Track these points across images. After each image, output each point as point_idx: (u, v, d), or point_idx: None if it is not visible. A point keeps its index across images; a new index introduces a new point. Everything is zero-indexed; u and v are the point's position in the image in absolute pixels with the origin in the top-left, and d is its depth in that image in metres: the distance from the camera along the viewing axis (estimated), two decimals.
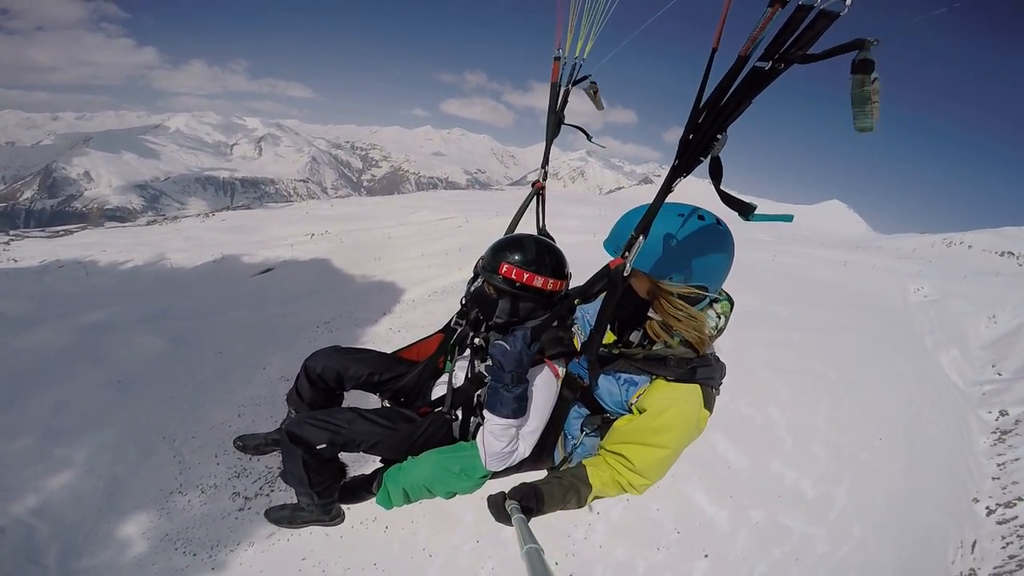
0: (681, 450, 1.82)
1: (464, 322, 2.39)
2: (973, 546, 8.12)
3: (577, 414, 2.08)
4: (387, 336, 12.35)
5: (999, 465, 9.40)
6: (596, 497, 1.90)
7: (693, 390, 1.77)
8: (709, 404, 1.78)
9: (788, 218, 1.34)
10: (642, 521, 7.38)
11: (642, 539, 7.23)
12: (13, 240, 35.75)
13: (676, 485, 7.86)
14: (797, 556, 7.12)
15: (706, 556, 7.07)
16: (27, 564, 6.61)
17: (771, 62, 1.08)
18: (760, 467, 8.31)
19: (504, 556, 6.92)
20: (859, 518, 7.73)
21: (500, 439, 1.95)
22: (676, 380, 1.78)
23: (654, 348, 1.85)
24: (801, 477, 8.21)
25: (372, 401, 2.57)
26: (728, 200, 1.29)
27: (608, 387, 1.92)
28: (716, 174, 1.29)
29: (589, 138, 2.64)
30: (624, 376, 1.88)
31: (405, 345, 2.63)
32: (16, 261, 25.72)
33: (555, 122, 2.55)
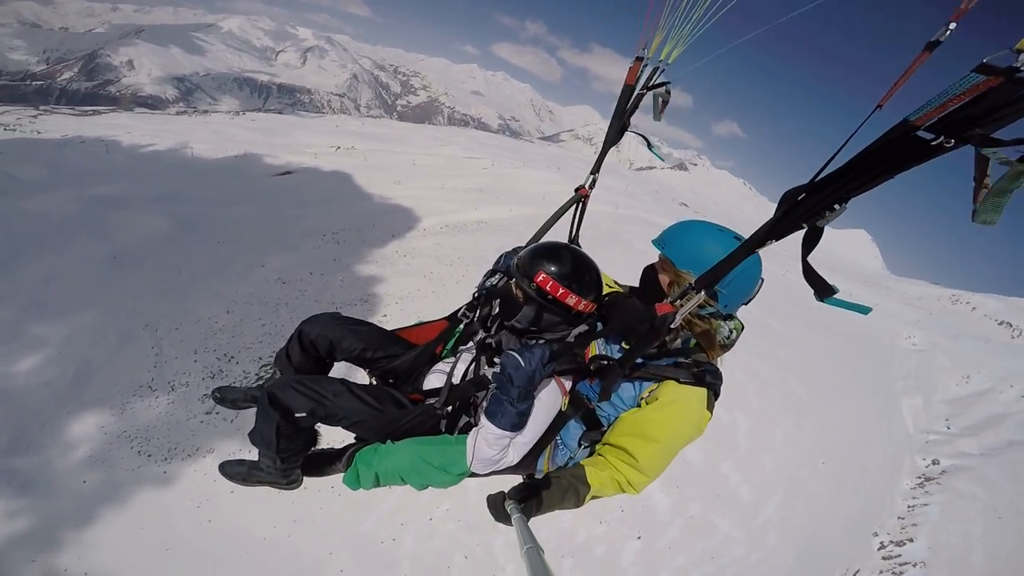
0: (680, 447, 1.86)
1: (472, 315, 2.35)
2: (855, 575, 8.66)
3: (576, 427, 2.07)
4: (392, 258, 11.79)
5: (909, 507, 9.99)
6: (594, 497, 1.88)
7: (701, 392, 1.81)
8: (711, 407, 1.84)
9: (866, 310, 1.21)
10: None
11: (589, 511, 7.29)
12: (41, 115, 35.58)
13: None
14: (714, 554, 7.52)
15: (639, 538, 7.40)
16: None
17: (941, 137, 0.85)
18: (711, 465, 8.63)
19: (459, 501, 7.03)
20: (778, 529, 8.13)
21: (493, 447, 1.90)
22: (687, 382, 1.81)
23: (670, 346, 1.89)
24: (743, 482, 8.58)
25: (360, 376, 2.48)
26: (810, 275, 1.19)
27: (622, 384, 1.94)
28: (811, 244, 1.17)
29: (650, 147, 2.55)
30: (638, 379, 1.90)
31: (406, 325, 2.60)
32: (39, 133, 25.48)
33: (619, 128, 2.39)
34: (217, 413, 7.47)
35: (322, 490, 6.73)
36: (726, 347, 1.91)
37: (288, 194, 16.60)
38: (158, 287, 9.48)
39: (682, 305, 1.47)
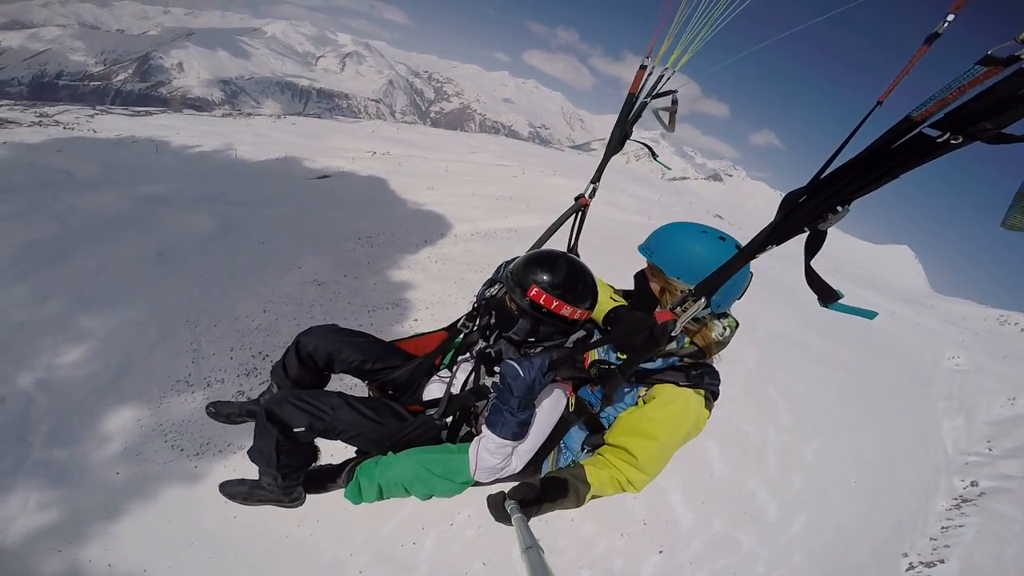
0: (678, 446, 1.86)
1: (472, 326, 2.33)
2: None
3: (578, 432, 2.08)
4: (424, 264, 11.90)
5: (943, 529, 9.59)
6: (594, 496, 1.87)
7: (698, 393, 1.83)
8: (710, 407, 1.85)
9: (871, 315, 1.18)
10: (616, 506, 7.51)
11: (611, 522, 7.38)
12: (97, 115, 37.51)
13: (658, 480, 7.71)
14: (736, 572, 7.31)
15: (660, 552, 7.24)
16: (13, 440, 6.55)
17: (948, 133, 0.82)
18: (738, 481, 8.44)
19: (480, 516, 6.91)
20: (803, 548, 7.87)
21: (495, 456, 1.90)
22: (684, 385, 1.83)
23: (666, 348, 1.88)
24: (771, 499, 8.35)
25: (358, 387, 2.49)
26: (813, 280, 1.17)
27: (620, 392, 1.95)
28: (814, 248, 1.13)
29: (655, 156, 2.60)
30: (636, 384, 1.91)
31: (405, 336, 2.59)
32: (95, 132, 26.80)
33: (620, 136, 2.39)
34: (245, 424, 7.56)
35: (350, 504, 6.69)
36: (721, 344, 1.90)
37: (325, 197, 17.00)
38: (200, 284, 9.80)
39: (683, 312, 1.45)
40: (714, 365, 1.94)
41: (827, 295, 1.14)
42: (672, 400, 1.82)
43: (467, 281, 11.04)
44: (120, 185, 14.68)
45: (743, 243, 1.76)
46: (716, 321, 1.89)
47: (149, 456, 6.82)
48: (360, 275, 10.97)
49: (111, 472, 6.59)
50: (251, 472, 2.37)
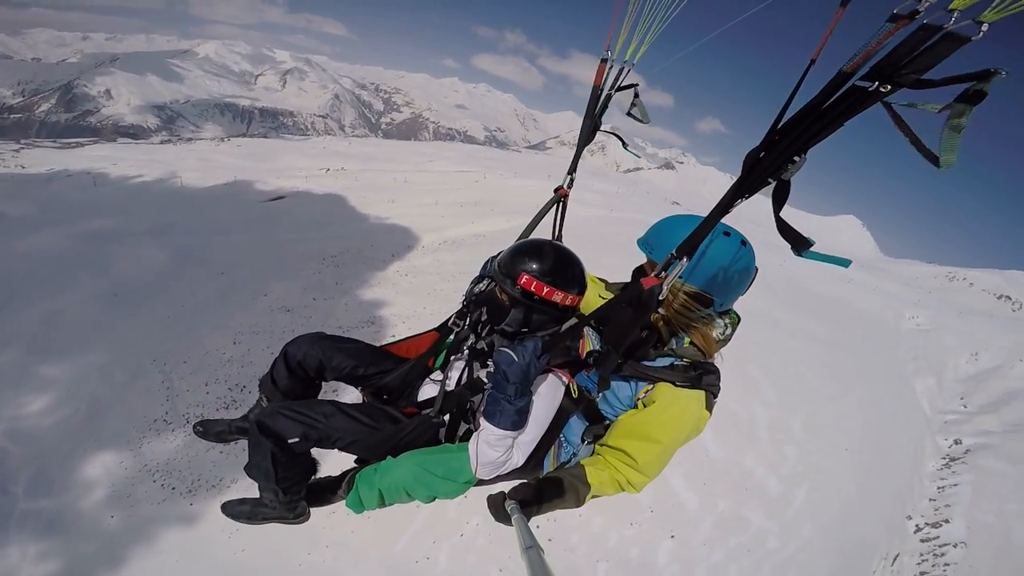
0: (678, 448, 1.87)
1: (463, 323, 2.29)
2: (895, 559, 8.69)
3: (578, 423, 2.06)
4: (394, 278, 11.82)
5: (939, 488, 10.04)
6: (593, 496, 1.88)
7: (698, 394, 1.81)
8: (710, 407, 1.85)
9: (846, 262, 1.22)
10: (621, 497, 7.45)
11: (619, 514, 7.49)
12: (24, 148, 35.22)
13: None
14: (749, 548, 7.53)
15: (672, 537, 7.42)
16: None
17: (877, 83, 0.94)
18: (734, 460, 8.68)
19: (486, 514, 6.92)
20: (810, 520, 8.17)
21: (495, 448, 1.87)
22: (683, 385, 1.81)
23: (666, 348, 1.88)
24: (769, 474, 8.59)
25: (351, 394, 2.45)
26: (785, 230, 1.20)
27: (619, 383, 1.93)
28: (780, 199, 1.19)
29: (625, 146, 2.56)
30: (634, 379, 1.89)
31: (394, 340, 2.55)
32: (24, 168, 25.26)
33: (591, 127, 2.44)
34: (235, 443, 7.35)
35: (352, 513, 6.63)
36: (723, 342, 1.91)
37: (282, 219, 16.57)
38: (162, 322, 9.43)
39: (667, 275, 1.46)
40: (715, 363, 1.93)
41: (800, 243, 1.17)
42: (672, 403, 1.81)
43: (440, 292, 11.02)
44: (60, 223, 13.87)
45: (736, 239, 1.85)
46: (717, 319, 1.88)
47: (140, 498, 6.58)
48: (330, 296, 10.81)
49: (104, 517, 6.34)
50: (252, 492, 2.34)
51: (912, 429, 11.49)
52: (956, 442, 11.39)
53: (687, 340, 1.87)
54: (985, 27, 0.83)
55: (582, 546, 7.01)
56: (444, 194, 20.33)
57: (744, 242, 1.83)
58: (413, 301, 10.62)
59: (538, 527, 7.37)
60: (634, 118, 2.41)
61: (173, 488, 6.74)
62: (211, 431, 2.70)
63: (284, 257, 12.54)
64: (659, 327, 1.88)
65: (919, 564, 8.55)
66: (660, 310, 1.80)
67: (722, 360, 1.95)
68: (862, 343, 13.91)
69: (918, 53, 0.89)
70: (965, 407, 12.83)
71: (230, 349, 8.95)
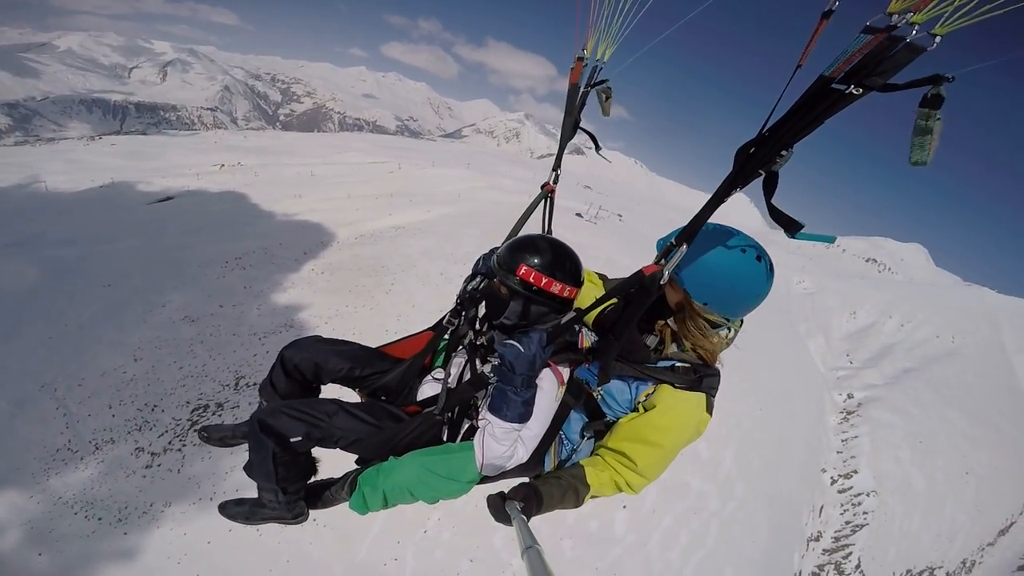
0: (679, 451, 1.87)
1: (458, 321, 2.29)
2: (820, 511, 9.56)
3: (578, 419, 2.06)
4: (309, 277, 11.36)
5: (843, 441, 11.01)
6: (592, 496, 1.89)
7: (699, 397, 1.82)
8: (710, 409, 1.84)
9: (831, 239, 1.32)
10: None
11: None
12: None
13: None
14: (695, 510, 8.06)
15: (624, 507, 7.81)
16: None
17: (851, 85, 1.06)
18: None
19: (451, 507, 7.06)
20: (741, 479, 8.80)
21: (502, 443, 1.86)
22: (684, 388, 1.82)
23: (667, 352, 1.88)
24: (698, 439, 9.38)
25: (351, 397, 2.38)
26: (777, 215, 1.29)
27: (618, 386, 1.92)
28: (770, 188, 1.27)
29: (598, 149, 2.66)
30: (634, 379, 1.89)
31: (390, 341, 2.51)
32: None
33: (571, 124, 2.50)
34: (159, 466, 6.91)
35: (305, 525, 6.38)
36: (726, 346, 1.93)
37: (173, 222, 15.17)
38: (44, 344, 8.38)
39: (667, 262, 1.50)
40: (716, 366, 1.94)
41: (792, 227, 1.27)
42: (673, 406, 1.81)
43: (364, 287, 10.76)
44: None
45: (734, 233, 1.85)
46: (720, 331, 1.87)
47: (65, 532, 6.01)
48: (239, 302, 10.17)
49: (31, 555, 5.74)
50: (220, 496, 2.33)
51: (811, 386, 12.52)
52: (849, 396, 12.65)
53: (688, 346, 1.87)
54: (938, 39, 0.97)
55: (543, 527, 7.21)
56: (356, 186, 19.62)
57: (771, 267, 1.79)
58: (335, 300, 10.31)
59: (478, 492, 7.71)
60: (603, 106, 2.48)
61: (100, 519, 6.18)
62: (214, 436, 2.63)
63: (180, 263, 11.55)
64: (665, 335, 1.88)
65: (842, 514, 9.49)
66: (673, 324, 1.83)
67: (722, 364, 1.96)
68: (759, 309, 15.55)
69: (884, 60, 1.02)
70: (851, 363, 14.24)
71: (131, 367, 8.21)
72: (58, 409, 7.22)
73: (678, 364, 1.85)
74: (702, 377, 1.83)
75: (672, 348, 1.88)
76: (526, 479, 2.00)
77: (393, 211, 16.13)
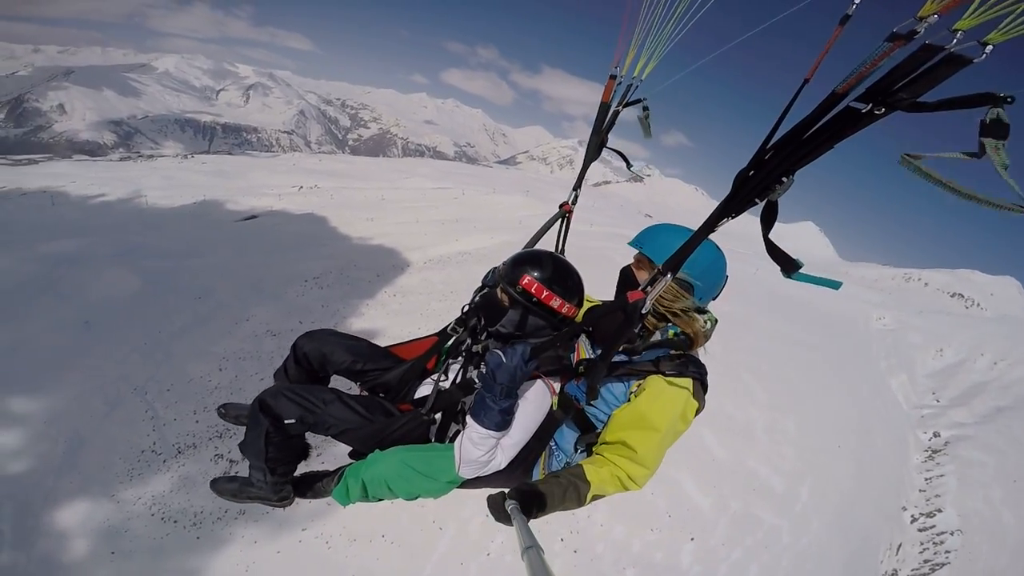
0: (674, 436, 1.88)
1: (462, 329, 2.34)
2: (898, 549, 9.13)
3: (571, 432, 2.07)
4: (382, 299, 11.65)
5: (926, 479, 10.52)
6: (595, 496, 1.89)
7: (686, 383, 1.85)
8: (699, 397, 1.87)
9: (836, 284, 1.19)
10: (639, 504, 7.85)
11: (638, 520, 7.65)
12: None
13: (669, 473, 8.47)
14: (766, 544, 7.86)
15: (692, 539, 7.63)
16: None
17: (871, 104, 0.91)
18: (738, 462, 9.02)
19: (512, 531, 6.90)
20: (817, 514, 8.54)
21: (479, 447, 1.90)
22: (672, 375, 1.85)
23: (652, 339, 1.92)
24: (773, 474, 8.99)
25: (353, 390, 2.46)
26: (774, 252, 1.18)
27: (612, 383, 1.95)
28: (769, 220, 1.16)
29: (629, 166, 2.57)
30: (625, 377, 1.92)
31: (398, 342, 2.60)
32: None
33: (597, 144, 2.44)
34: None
35: (374, 540, 6.59)
36: (705, 336, 1.97)
37: (257, 240, 16.15)
38: (139, 350, 8.95)
39: (652, 289, 1.48)
40: (699, 357, 1.97)
41: (789, 265, 1.16)
42: (662, 391, 1.83)
43: (432, 312, 10.90)
44: (18, 246, 13.14)
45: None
46: (699, 316, 1.94)
47: (139, 531, 6.20)
48: (317, 319, 10.52)
49: (104, 551, 5.94)
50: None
51: (893, 424, 11.98)
52: (935, 435, 12.02)
53: (671, 332, 1.92)
54: (989, 49, 0.80)
55: (607, 554, 7.10)
56: (423, 211, 20.25)
57: (718, 249, 1.94)
58: (404, 322, 10.47)
59: (563, 540, 7.37)
60: (644, 127, 2.44)
61: (175, 522, 6.36)
62: (231, 413, 2.81)
63: (263, 279, 12.16)
64: (647, 322, 1.94)
65: (921, 552, 9.01)
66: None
67: (706, 354, 2.01)
68: (837, 344, 14.60)
69: (916, 75, 0.86)
70: (938, 401, 13.44)
71: (216, 376, 8.58)
72: (147, 412, 7.62)
73: (663, 355, 1.88)
74: (687, 363, 1.86)
75: (656, 336, 1.93)
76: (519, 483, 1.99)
77: (459, 236, 16.46)
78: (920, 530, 9.56)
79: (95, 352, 8.75)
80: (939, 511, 9.76)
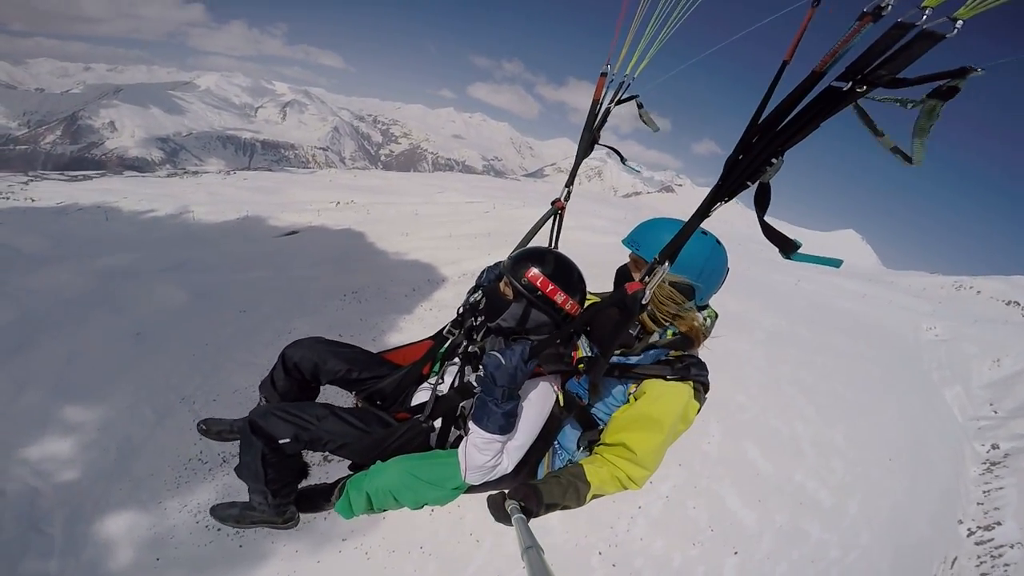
0: (674, 438, 1.86)
1: (458, 331, 2.31)
2: (953, 562, 8.74)
3: (573, 431, 2.06)
4: (420, 314, 11.73)
5: (984, 492, 10.10)
6: (595, 496, 1.86)
7: (687, 385, 1.85)
8: (699, 398, 1.87)
9: (836, 263, 1.18)
10: (680, 518, 7.69)
11: (679, 534, 7.47)
12: (32, 180, 35.39)
13: (711, 486, 8.26)
14: (813, 559, 7.57)
15: (736, 553, 7.38)
16: (30, 532, 6.00)
17: (851, 82, 0.92)
18: (784, 475, 8.76)
19: (547, 543, 6.77)
20: (866, 528, 8.22)
21: (484, 452, 1.84)
22: (673, 378, 1.83)
23: (650, 340, 1.91)
24: (820, 487, 8.71)
25: (348, 400, 2.42)
26: (770, 233, 1.18)
27: (609, 387, 1.95)
28: (762, 203, 1.16)
29: (623, 160, 2.56)
30: (624, 379, 1.91)
31: (391, 348, 2.56)
32: (33, 201, 25.26)
33: (589, 140, 2.43)
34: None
35: (412, 552, 6.57)
36: (705, 333, 1.95)
37: (298, 255, 16.51)
38: (187, 361, 9.24)
39: (650, 280, 1.47)
40: (700, 356, 1.96)
41: (787, 246, 1.16)
42: (662, 394, 1.83)
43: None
44: (75, 259, 13.81)
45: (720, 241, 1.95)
46: (699, 312, 1.93)
47: (184, 538, 6.33)
48: (355, 333, 10.66)
49: (149, 558, 6.08)
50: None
51: (948, 436, 11.53)
52: (994, 447, 11.50)
53: (670, 333, 1.92)
54: (960, 24, 0.83)
55: (647, 570, 6.92)
56: (456, 226, 20.40)
57: (718, 241, 1.92)
58: None
59: (600, 553, 7.18)
60: (648, 122, 2.41)
61: (219, 529, 6.43)
62: (212, 429, 2.74)
63: (304, 293, 12.43)
64: (643, 319, 1.92)
65: (978, 566, 8.62)
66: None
67: (707, 351, 1.98)
68: (885, 354, 14.04)
69: (893, 52, 0.88)
70: (996, 412, 12.86)
71: None
72: (194, 421, 7.77)
73: (663, 357, 1.88)
74: (689, 366, 1.86)
75: (655, 336, 1.92)
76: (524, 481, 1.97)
77: (492, 251, 16.45)
78: (977, 543, 9.13)
79: (146, 363, 9.06)
80: (998, 524, 9.32)
